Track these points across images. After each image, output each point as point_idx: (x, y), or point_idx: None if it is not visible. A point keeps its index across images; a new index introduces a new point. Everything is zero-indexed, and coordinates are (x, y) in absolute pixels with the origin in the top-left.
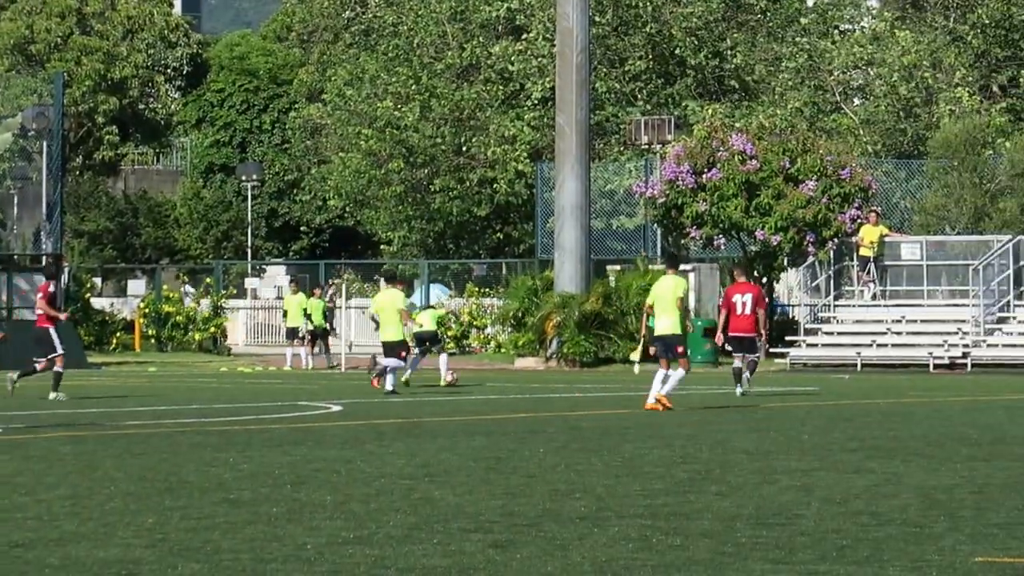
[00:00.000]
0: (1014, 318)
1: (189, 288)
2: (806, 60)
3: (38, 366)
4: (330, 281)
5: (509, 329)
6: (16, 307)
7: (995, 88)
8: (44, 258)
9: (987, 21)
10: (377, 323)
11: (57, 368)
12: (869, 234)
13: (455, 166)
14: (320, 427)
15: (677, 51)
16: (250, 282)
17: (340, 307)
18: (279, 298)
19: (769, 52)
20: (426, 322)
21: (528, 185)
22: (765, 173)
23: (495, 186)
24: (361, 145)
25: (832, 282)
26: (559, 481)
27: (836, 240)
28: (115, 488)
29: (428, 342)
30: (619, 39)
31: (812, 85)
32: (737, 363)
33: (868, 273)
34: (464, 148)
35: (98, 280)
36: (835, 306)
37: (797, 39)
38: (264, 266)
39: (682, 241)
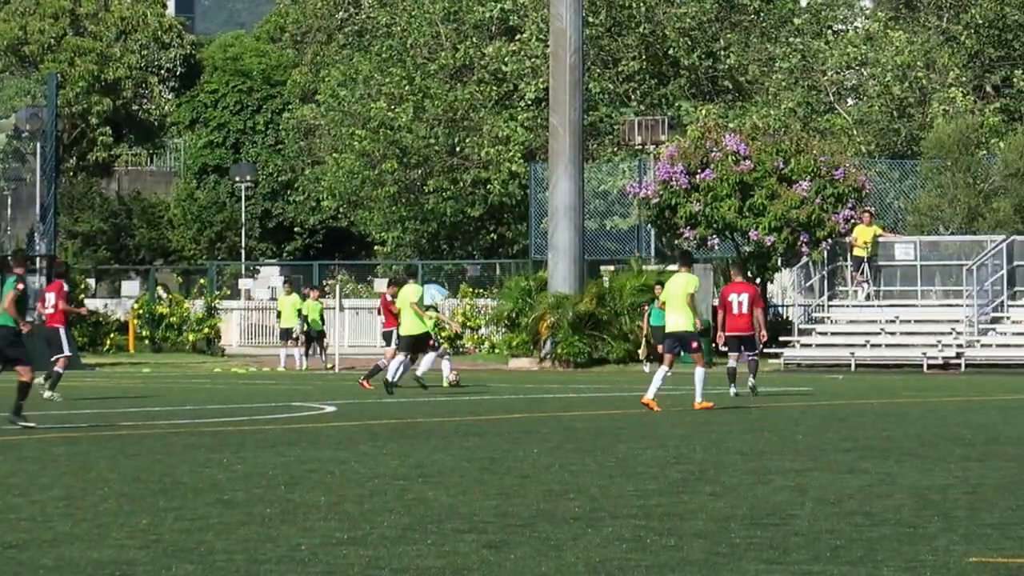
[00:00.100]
0: (1008, 318)
1: (162, 293)
2: (799, 60)
3: (59, 368)
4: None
5: (503, 330)
6: None
7: (988, 88)
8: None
9: (980, 21)
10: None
11: (58, 368)
12: (863, 234)
13: (449, 167)
14: (314, 428)
15: (670, 51)
16: (244, 283)
17: (333, 308)
18: (273, 299)
19: (763, 52)
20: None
21: (522, 186)
22: (759, 173)
23: (489, 187)
24: (355, 146)
25: (826, 282)
26: (553, 481)
27: (830, 240)
28: (109, 489)
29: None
30: (612, 40)
31: (806, 85)
32: (731, 363)
33: (862, 273)
34: (458, 149)
35: (92, 281)
36: (829, 306)
37: (790, 39)
38: (258, 267)
39: (676, 241)
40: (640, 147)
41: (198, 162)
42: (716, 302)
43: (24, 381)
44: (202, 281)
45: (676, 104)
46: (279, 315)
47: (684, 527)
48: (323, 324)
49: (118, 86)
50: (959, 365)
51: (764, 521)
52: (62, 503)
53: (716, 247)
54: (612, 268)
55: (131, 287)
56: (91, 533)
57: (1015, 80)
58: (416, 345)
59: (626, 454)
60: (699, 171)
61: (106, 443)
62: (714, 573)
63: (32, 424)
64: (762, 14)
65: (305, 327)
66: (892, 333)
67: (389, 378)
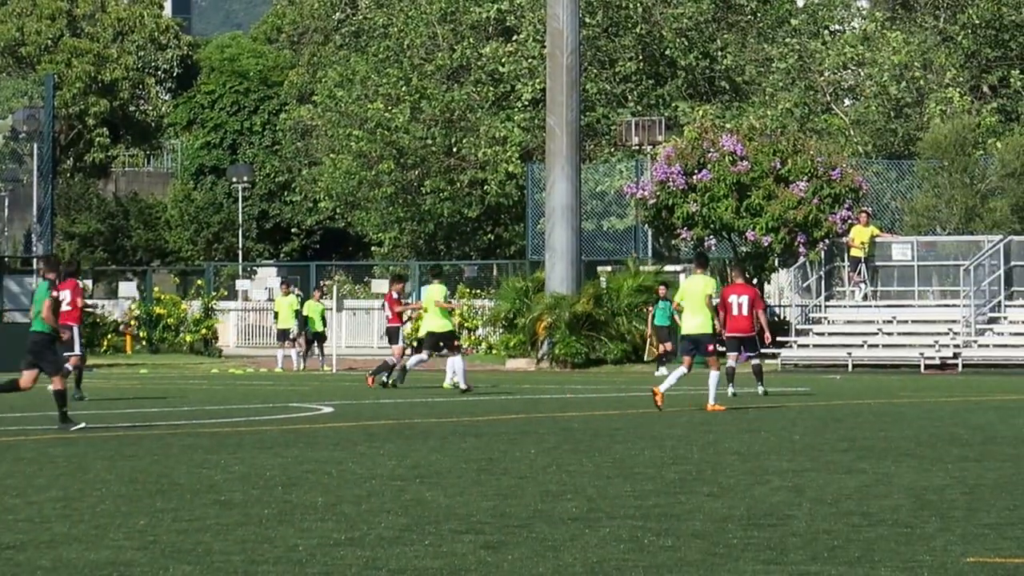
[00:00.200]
0: (1005, 318)
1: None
2: (796, 61)
3: (69, 366)
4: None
5: (500, 330)
6: (8, 309)
7: (985, 88)
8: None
9: (977, 21)
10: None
11: (68, 367)
12: (860, 235)
13: (446, 167)
14: (311, 429)
15: (667, 52)
16: (241, 284)
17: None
18: (270, 300)
19: (759, 53)
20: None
21: (519, 186)
22: (756, 174)
23: (486, 187)
24: (352, 146)
25: (823, 283)
26: (550, 482)
27: (827, 241)
28: (106, 490)
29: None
30: (609, 40)
31: (802, 86)
32: (731, 363)
33: (859, 274)
34: (455, 149)
35: (89, 282)
36: (826, 307)
37: (787, 40)
38: (255, 268)
39: (673, 242)
40: (637, 148)
41: (195, 163)
42: (715, 303)
43: (59, 389)
44: (199, 282)
45: (673, 105)
46: (276, 316)
47: (681, 528)
48: (325, 325)
49: (115, 87)
50: (956, 365)
51: (761, 521)
52: (59, 504)
53: (713, 248)
54: (609, 269)
55: (128, 288)
56: (88, 534)
57: (1012, 80)
58: (440, 342)
59: (623, 455)
60: (696, 172)
61: (103, 444)
62: (711, 573)
63: (83, 424)
64: (759, 15)
65: (303, 328)
66: (889, 333)
67: (408, 365)
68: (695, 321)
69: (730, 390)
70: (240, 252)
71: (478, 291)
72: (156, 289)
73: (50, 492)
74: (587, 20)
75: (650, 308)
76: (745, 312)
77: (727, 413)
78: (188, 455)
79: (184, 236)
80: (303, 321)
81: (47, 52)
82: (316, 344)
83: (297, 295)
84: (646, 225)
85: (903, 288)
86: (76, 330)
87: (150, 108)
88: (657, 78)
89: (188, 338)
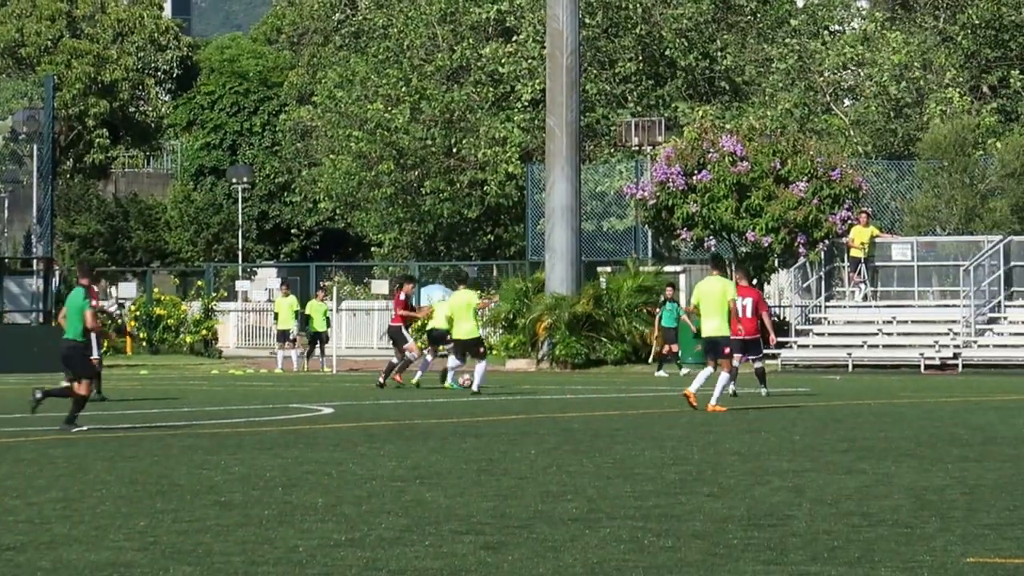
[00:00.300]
0: (1005, 318)
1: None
2: (796, 61)
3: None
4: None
5: (500, 331)
6: (8, 310)
7: (985, 89)
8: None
9: (977, 21)
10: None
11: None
12: (860, 235)
13: (445, 168)
14: (311, 429)
15: (667, 52)
16: (241, 285)
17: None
18: (270, 300)
19: (759, 53)
20: (441, 319)
21: (519, 187)
22: (755, 174)
23: (486, 188)
24: (351, 147)
25: (823, 283)
26: (550, 483)
27: (827, 241)
28: (106, 491)
29: (440, 341)
30: (609, 41)
31: (802, 86)
32: (734, 363)
33: (859, 274)
34: (454, 150)
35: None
36: (826, 307)
37: (787, 40)
38: (255, 268)
39: (672, 243)
40: (637, 148)
41: (195, 164)
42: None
43: (82, 395)
44: (199, 283)
45: (673, 105)
46: (276, 317)
47: (682, 528)
48: (329, 326)
49: (115, 88)
50: (956, 366)
51: (762, 522)
52: (60, 505)
53: (713, 248)
54: (609, 269)
55: (128, 289)
56: (89, 535)
57: (1012, 80)
58: (468, 349)
59: (623, 455)
60: (696, 172)
61: (103, 445)
62: (712, 574)
63: (85, 427)
64: (759, 15)
65: (302, 328)
66: (889, 334)
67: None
68: (713, 323)
69: (731, 388)
70: (240, 253)
71: (478, 292)
72: (156, 290)
73: (50, 493)
74: (587, 21)
75: (657, 310)
76: (749, 314)
77: (728, 414)
78: (188, 456)
79: (184, 237)
80: (303, 321)
81: (47, 53)
82: (318, 344)
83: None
84: (646, 226)
85: (903, 288)
86: (94, 334)
87: (150, 109)
88: (657, 79)
89: (188, 339)
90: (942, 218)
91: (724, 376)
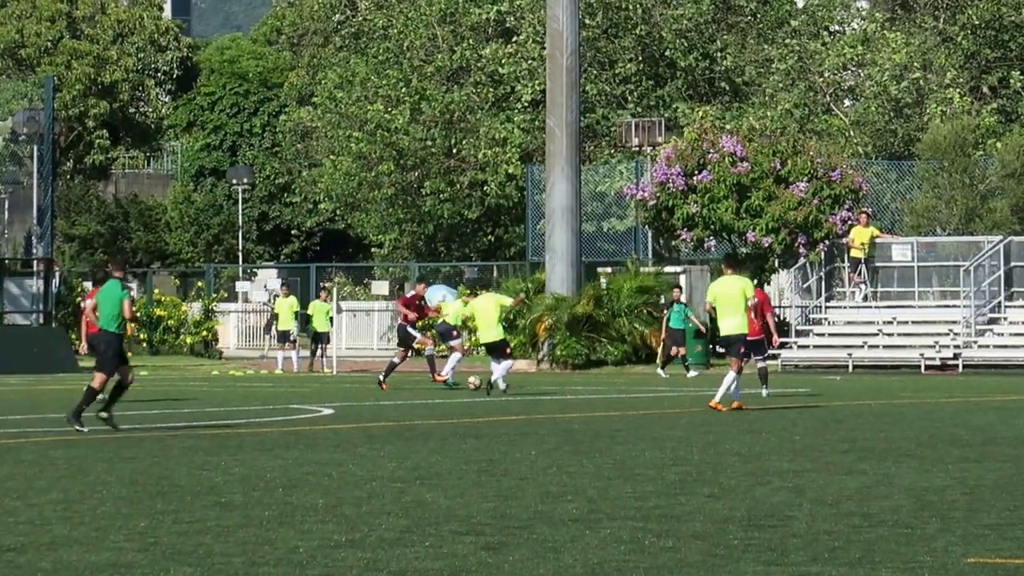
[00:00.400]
0: (1005, 319)
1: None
2: (796, 61)
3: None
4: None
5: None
6: (8, 311)
7: (985, 89)
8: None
9: (977, 22)
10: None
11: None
12: (860, 235)
13: (446, 168)
14: (311, 430)
15: (667, 53)
16: (241, 286)
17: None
18: (270, 301)
19: (759, 54)
20: (452, 318)
21: (519, 187)
22: (756, 175)
23: (486, 188)
24: (352, 148)
25: (823, 283)
26: (551, 483)
27: (827, 242)
28: (107, 492)
29: (447, 337)
30: (609, 41)
31: (802, 87)
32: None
33: (859, 274)
34: (454, 150)
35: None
36: (826, 307)
37: (787, 40)
38: (255, 270)
39: (673, 243)
40: (637, 149)
41: (195, 165)
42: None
43: (94, 388)
44: (199, 284)
45: (673, 106)
46: (276, 317)
47: (682, 529)
48: (331, 327)
49: (115, 89)
50: (956, 366)
51: (762, 522)
52: (60, 506)
53: (713, 249)
54: (609, 270)
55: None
56: (89, 536)
57: (1012, 81)
58: (495, 351)
59: (624, 456)
60: (696, 173)
61: (103, 446)
62: (712, 575)
63: (85, 429)
64: (759, 15)
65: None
66: (890, 334)
67: (493, 379)
68: (732, 322)
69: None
70: (240, 254)
71: (479, 292)
72: (156, 291)
73: (51, 494)
74: (587, 21)
75: (665, 311)
76: (753, 315)
77: (728, 414)
78: (188, 457)
79: (184, 238)
80: (304, 321)
81: (47, 54)
82: (322, 344)
83: (273, 294)
84: (646, 226)
85: (903, 289)
86: None
87: (150, 110)
88: (657, 79)
89: (188, 340)
90: (942, 218)
91: (731, 374)
